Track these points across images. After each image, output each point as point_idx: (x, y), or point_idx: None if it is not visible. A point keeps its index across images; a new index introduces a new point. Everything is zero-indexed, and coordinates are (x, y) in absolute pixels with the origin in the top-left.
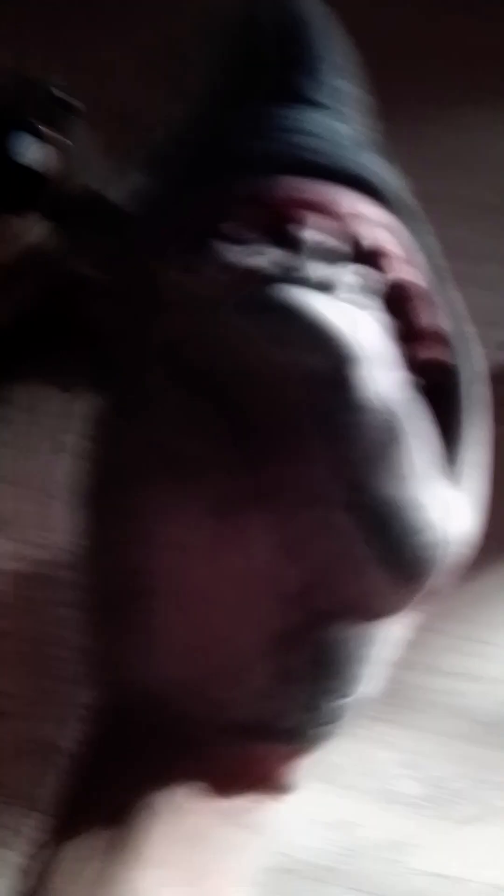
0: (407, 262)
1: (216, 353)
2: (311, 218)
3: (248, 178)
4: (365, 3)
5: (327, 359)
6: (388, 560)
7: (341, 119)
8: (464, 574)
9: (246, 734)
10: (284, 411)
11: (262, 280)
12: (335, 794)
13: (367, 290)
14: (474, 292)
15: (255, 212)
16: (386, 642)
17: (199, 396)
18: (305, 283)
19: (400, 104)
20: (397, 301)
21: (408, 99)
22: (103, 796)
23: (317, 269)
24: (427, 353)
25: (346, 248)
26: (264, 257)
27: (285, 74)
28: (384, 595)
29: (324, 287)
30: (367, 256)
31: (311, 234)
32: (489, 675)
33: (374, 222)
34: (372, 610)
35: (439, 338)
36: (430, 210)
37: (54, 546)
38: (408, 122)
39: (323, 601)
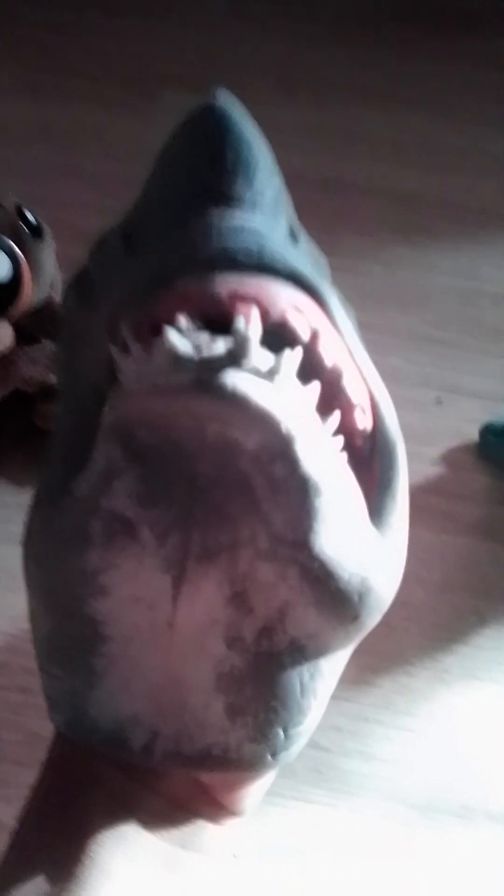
0: (339, 346)
1: (168, 430)
2: (253, 310)
3: (191, 275)
4: (305, 147)
5: (273, 438)
6: (331, 606)
7: (276, 222)
8: (399, 670)
9: (199, 764)
10: (234, 480)
11: (211, 367)
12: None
13: (305, 372)
14: (409, 415)
15: (200, 306)
16: (330, 674)
17: (151, 467)
18: (251, 370)
19: (337, 239)
20: (332, 380)
21: (343, 234)
22: (55, 829)
23: (260, 357)
24: (356, 422)
25: (285, 336)
26: (212, 347)
27: (222, 180)
28: (328, 635)
29: (267, 373)
30: (306, 343)
31: (254, 325)
32: (422, 763)
33: (309, 314)
34: (317, 648)
35: (366, 409)
36: (368, 340)
37: (5, 633)
38: (344, 256)
39: (272, 643)
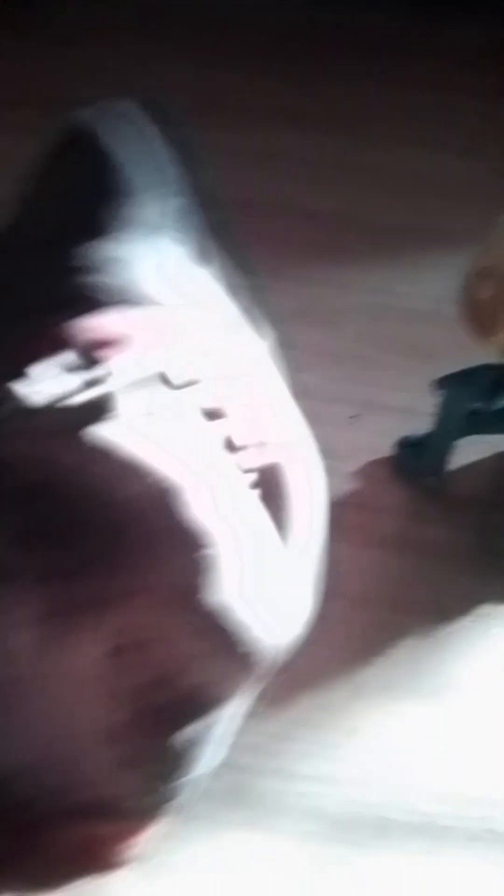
0: (229, 377)
1: (48, 475)
2: (115, 351)
3: (57, 314)
4: (220, 168)
5: (150, 492)
6: (225, 656)
7: (154, 246)
8: (317, 685)
9: (87, 815)
10: (114, 527)
11: (77, 414)
12: None
13: (187, 410)
14: (326, 430)
15: (58, 348)
16: (221, 723)
17: (31, 512)
18: (118, 415)
19: (254, 259)
20: (242, 416)
21: (260, 254)
22: None
23: (128, 401)
24: (268, 456)
25: (159, 375)
26: (76, 391)
27: (100, 208)
28: (222, 685)
29: (139, 416)
30: (181, 381)
31: (118, 365)
32: (340, 778)
33: (211, 348)
34: (210, 698)
35: (277, 443)
36: (286, 357)
37: None
38: (261, 276)
39: (161, 696)
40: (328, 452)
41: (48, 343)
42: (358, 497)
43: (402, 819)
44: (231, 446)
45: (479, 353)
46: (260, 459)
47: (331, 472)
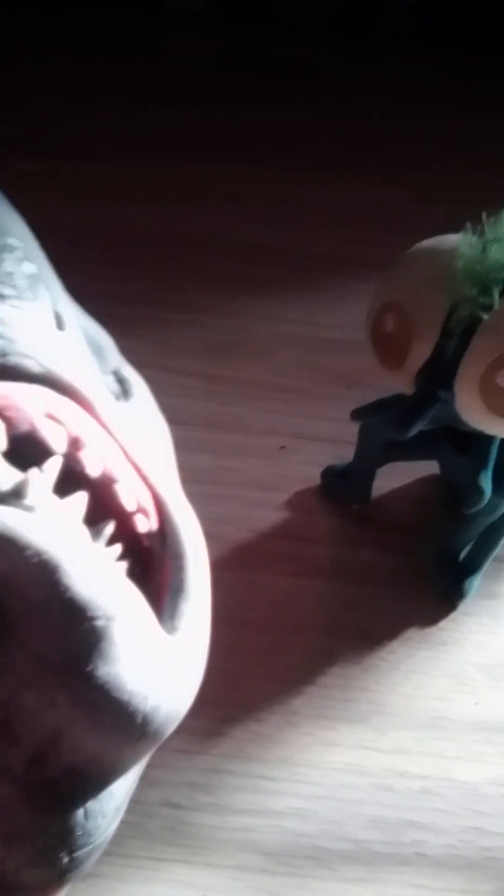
0: (110, 449)
1: None
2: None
3: None
4: (146, 203)
5: (23, 562)
6: (112, 729)
7: (32, 310)
8: (249, 717)
9: None
10: None
11: None
12: None
13: (66, 485)
14: (255, 462)
15: None
16: (122, 788)
17: None
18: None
19: (181, 294)
20: (102, 488)
21: (188, 288)
22: None
23: (8, 477)
24: (136, 526)
25: (41, 448)
26: None
27: None
28: (111, 757)
29: (11, 493)
30: (63, 453)
31: None
32: (275, 810)
33: (69, 418)
34: (100, 770)
35: (149, 512)
36: (215, 391)
37: None
38: (190, 311)
39: (44, 771)
40: (258, 484)
41: None
42: (288, 527)
43: (335, 847)
44: (93, 519)
45: (398, 382)
46: (134, 530)
47: (261, 503)
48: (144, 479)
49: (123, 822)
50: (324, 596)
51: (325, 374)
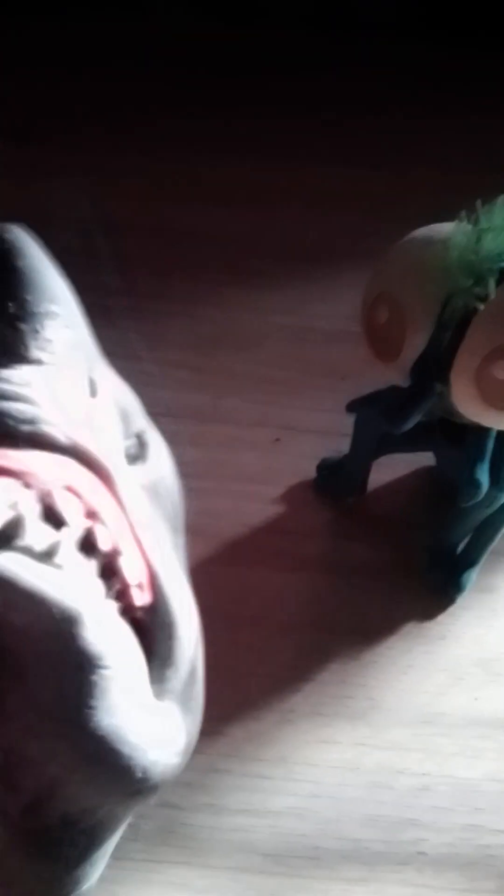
0: (120, 524)
1: None
2: (22, 486)
3: None
4: (134, 194)
5: (45, 617)
6: (109, 783)
7: (68, 376)
8: (246, 716)
9: None
10: (4, 654)
11: None
12: None
13: (82, 551)
14: (247, 455)
15: None
16: (111, 837)
17: None
18: (23, 550)
19: (169, 285)
20: (107, 560)
21: (175, 279)
22: None
23: (36, 537)
24: (132, 598)
25: (56, 514)
26: None
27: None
28: (105, 809)
29: (42, 553)
30: (79, 520)
31: (27, 504)
32: (272, 809)
33: (87, 492)
34: (93, 821)
35: (144, 586)
36: (205, 383)
37: None
38: (177, 302)
39: (39, 819)
40: (251, 477)
41: None
42: (281, 521)
43: (334, 847)
44: (104, 576)
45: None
46: (130, 601)
47: (254, 497)
48: (143, 553)
49: None
50: (318, 591)
51: (316, 366)
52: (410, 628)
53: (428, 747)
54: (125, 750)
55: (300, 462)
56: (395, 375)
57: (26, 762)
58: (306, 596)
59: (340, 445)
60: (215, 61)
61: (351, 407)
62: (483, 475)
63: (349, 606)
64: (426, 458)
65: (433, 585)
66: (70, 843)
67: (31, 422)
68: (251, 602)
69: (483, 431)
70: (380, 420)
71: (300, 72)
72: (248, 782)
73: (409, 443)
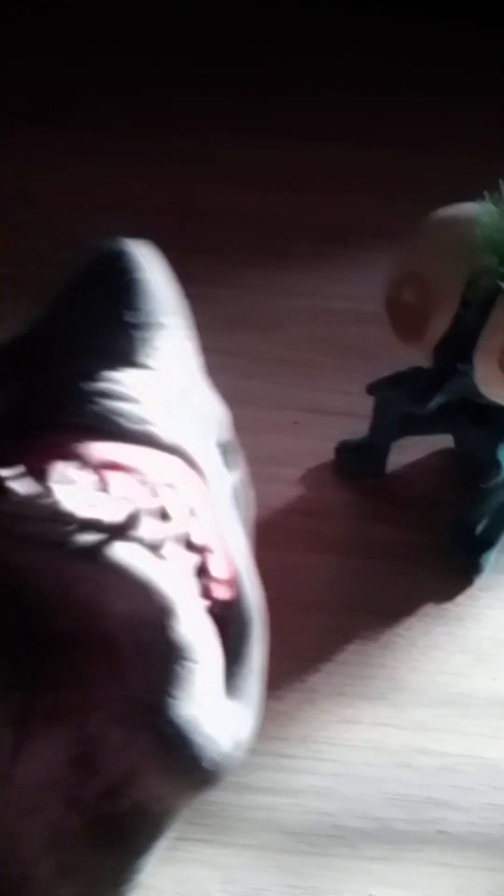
0: (211, 523)
1: (29, 583)
2: (136, 482)
3: (75, 431)
4: (157, 173)
5: (148, 605)
6: (182, 772)
7: (160, 377)
8: (269, 695)
9: None
10: (96, 640)
11: (101, 532)
12: None
13: (177, 544)
14: (269, 437)
15: (71, 461)
16: (168, 830)
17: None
18: (136, 540)
19: (191, 265)
20: (204, 554)
21: (197, 259)
22: None
23: (144, 529)
24: (214, 593)
25: (163, 509)
26: (95, 510)
27: (121, 337)
28: (174, 799)
29: (150, 545)
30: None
31: (139, 497)
32: (295, 788)
33: (185, 489)
34: (161, 811)
35: (229, 583)
36: (226, 364)
37: None
38: (199, 282)
39: (114, 806)
40: (272, 459)
41: (61, 455)
42: (303, 503)
43: (357, 826)
44: (201, 575)
45: (406, 353)
46: (213, 596)
47: (275, 478)
48: (228, 552)
49: None
50: (339, 572)
51: (337, 347)
52: (430, 609)
53: (448, 727)
54: (200, 740)
55: (321, 444)
56: (418, 355)
57: (109, 749)
58: (327, 577)
59: (361, 427)
60: (238, 41)
61: (372, 388)
62: None
63: (369, 587)
64: (445, 440)
65: (453, 566)
66: (136, 832)
67: (140, 422)
68: (272, 583)
69: None
70: (402, 401)
71: (321, 53)
72: (272, 761)
73: (430, 424)
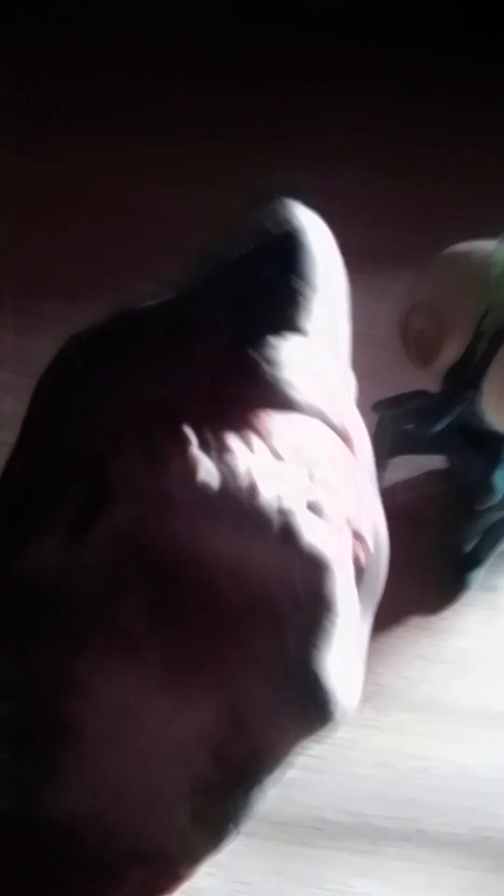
0: (357, 493)
1: (200, 550)
2: (297, 450)
3: (240, 395)
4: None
5: (312, 568)
6: (312, 721)
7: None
8: None
9: (150, 862)
10: (258, 598)
11: (281, 510)
12: None
13: (333, 508)
14: None
15: (244, 428)
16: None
17: (167, 583)
18: (310, 506)
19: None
20: (355, 518)
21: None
22: None
23: (311, 493)
24: (352, 550)
25: (324, 474)
26: (273, 482)
27: (285, 306)
28: (295, 749)
29: (314, 505)
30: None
31: (307, 462)
32: (286, 779)
33: (341, 460)
34: (284, 763)
35: (368, 543)
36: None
37: None
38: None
39: (258, 764)
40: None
41: (239, 426)
42: None
43: (339, 819)
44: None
45: (411, 376)
46: (352, 553)
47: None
48: (372, 520)
49: None
50: None
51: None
52: (418, 621)
53: (429, 732)
54: (330, 687)
55: None
56: (426, 379)
57: (259, 709)
58: None
59: None
60: (239, 50)
61: (378, 407)
62: (501, 480)
63: None
64: (438, 460)
65: (441, 582)
66: (265, 783)
67: (308, 394)
68: None
69: (502, 438)
70: (406, 421)
71: (322, 68)
72: None
73: (426, 444)
